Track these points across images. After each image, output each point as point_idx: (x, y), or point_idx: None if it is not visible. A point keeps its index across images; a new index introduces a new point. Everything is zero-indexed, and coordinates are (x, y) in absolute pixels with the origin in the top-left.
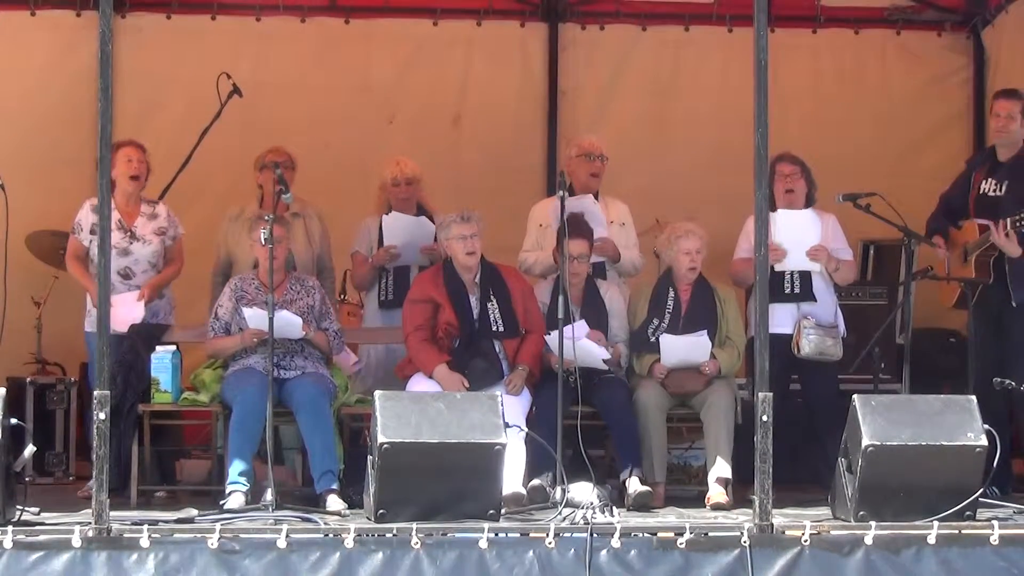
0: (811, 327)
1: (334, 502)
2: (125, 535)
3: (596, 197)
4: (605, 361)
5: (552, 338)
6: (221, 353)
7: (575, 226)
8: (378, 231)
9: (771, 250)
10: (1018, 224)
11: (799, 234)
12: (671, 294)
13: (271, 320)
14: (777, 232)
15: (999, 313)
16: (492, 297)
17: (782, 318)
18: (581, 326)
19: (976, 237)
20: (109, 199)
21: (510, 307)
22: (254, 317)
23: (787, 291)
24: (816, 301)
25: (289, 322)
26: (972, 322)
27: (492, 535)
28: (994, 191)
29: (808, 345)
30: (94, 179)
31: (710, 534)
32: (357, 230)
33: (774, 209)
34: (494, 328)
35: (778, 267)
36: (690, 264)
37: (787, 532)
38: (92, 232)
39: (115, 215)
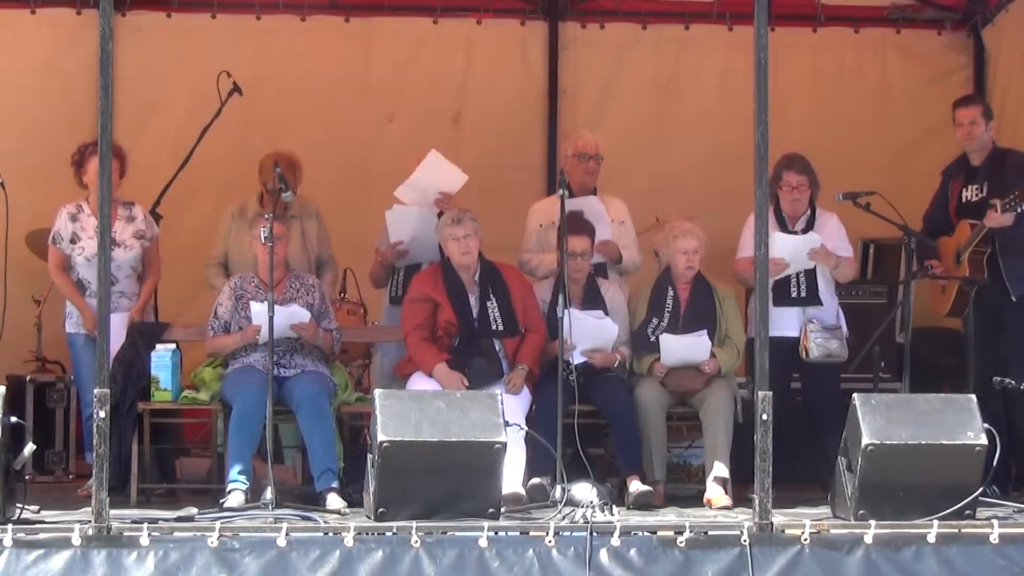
0: (817, 330)
1: (334, 500)
2: (125, 533)
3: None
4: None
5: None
6: (221, 351)
7: (576, 223)
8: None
9: (773, 263)
10: (1008, 206)
11: (797, 255)
12: (670, 293)
13: (271, 318)
14: (775, 252)
15: (998, 311)
16: (491, 296)
17: (788, 321)
18: None
19: (968, 235)
20: (109, 198)
21: (509, 306)
22: (261, 314)
23: (793, 295)
24: (822, 305)
25: (296, 314)
26: (972, 321)
27: (492, 534)
28: (976, 195)
29: (816, 349)
30: None
31: (710, 533)
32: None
33: (776, 209)
34: (494, 327)
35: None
36: (687, 264)
37: (787, 531)
38: (72, 241)
39: (92, 222)
